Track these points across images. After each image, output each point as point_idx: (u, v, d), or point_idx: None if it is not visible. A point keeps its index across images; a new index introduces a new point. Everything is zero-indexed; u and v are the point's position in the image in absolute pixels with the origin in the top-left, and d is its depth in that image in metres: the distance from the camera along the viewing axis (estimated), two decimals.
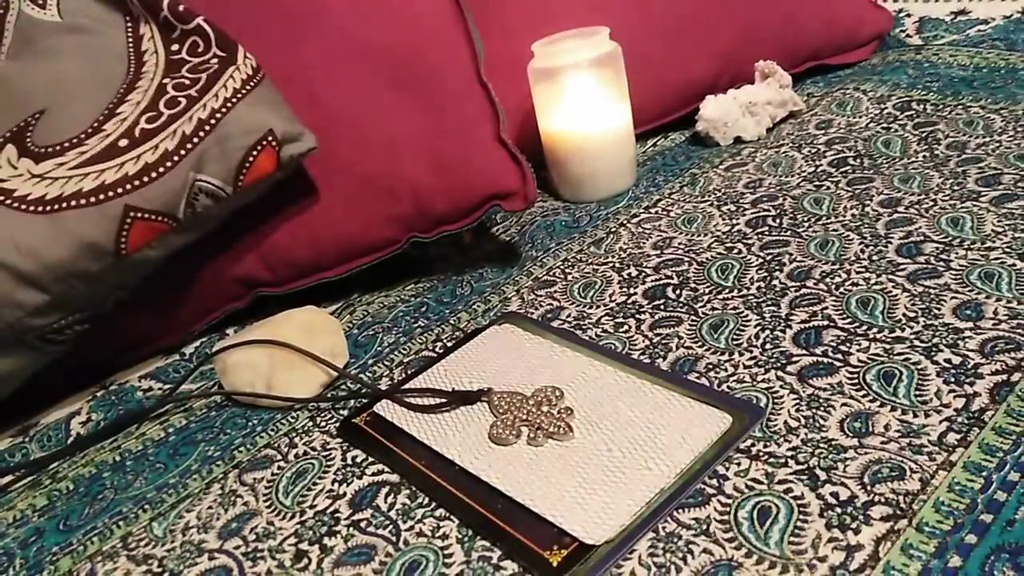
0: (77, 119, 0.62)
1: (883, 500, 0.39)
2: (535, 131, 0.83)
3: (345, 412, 0.56)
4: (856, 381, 0.48)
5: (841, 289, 0.57)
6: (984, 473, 0.40)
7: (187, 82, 0.64)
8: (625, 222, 0.74)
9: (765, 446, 0.44)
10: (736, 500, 0.41)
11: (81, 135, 0.62)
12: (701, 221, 0.71)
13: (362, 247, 0.70)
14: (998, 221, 0.60)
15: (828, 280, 0.58)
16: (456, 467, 0.48)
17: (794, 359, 0.51)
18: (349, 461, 0.51)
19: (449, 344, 0.62)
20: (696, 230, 0.70)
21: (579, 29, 0.80)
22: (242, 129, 0.62)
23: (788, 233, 0.66)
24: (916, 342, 0.50)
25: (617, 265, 0.67)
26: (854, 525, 0.38)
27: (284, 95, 0.67)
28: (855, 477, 0.41)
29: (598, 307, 0.62)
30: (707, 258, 0.65)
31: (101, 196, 0.59)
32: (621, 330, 0.58)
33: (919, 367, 0.47)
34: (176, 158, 0.61)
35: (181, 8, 0.66)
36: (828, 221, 0.66)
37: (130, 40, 0.66)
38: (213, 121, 0.62)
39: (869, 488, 0.40)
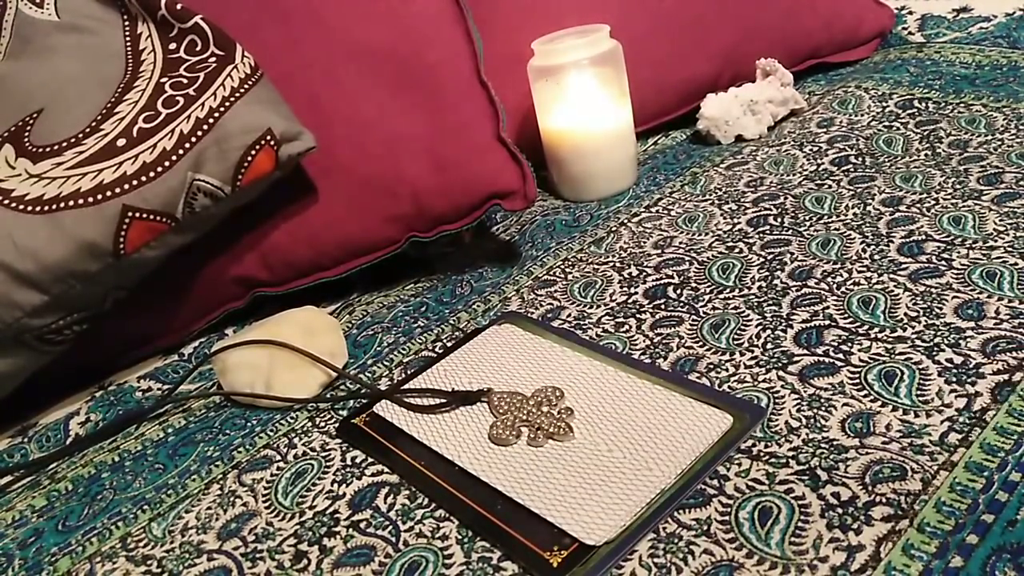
0: (75, 119, 0.62)
1: (884, 500, 0.39)
2: (535, 130, 0.82)
3: (344, 412, 0.56)
4: (857, 381, 0.47)
5: (842, 288, 0.56)
6: (985, 473, 0.39)
7: (185, 81, 0.63)
8: (626, 221, 0.74)
9: (766, 446, 0.44)
10: (737, 500, 0.41)
11: (79, 135, 0.62)
12: (702, 220, 0.71)
13: (361, 247, 0.70)
14: (1000, 220, 0.60)
15: (829, 279, 0.58)
16: (456, 467, 0.47)
17: (795, 359, 0.50)
18: (348, 462, 0.51)
19: (449, 344, 0.61)
20: (697, 229, 0.70)
21: (579, 27, 0.80)
22: (240, 128, 0.62)
23: (789, 232, 0.65)
24: (917, 342, 0.49)
25: (618, 264, 0.67)
26: (855, 525, 0.38)
27: (284, 95, 0.67)
28: (856, 477, 0.41)
29: (598, 307, 0.61)
30: (708, 257, 0.65)
31: (99, 196, 0.59)
32: (622, 330, 0.58)
33: (920, 367, 0.47)
34: (174, 157, 0.61)
35: (179, 7, 0.65)
36: (829, 220, 0.66)
37: (128, 39, 0.66)
38: (211, 120, 0.62)
39: (870, 488, 0.40)
